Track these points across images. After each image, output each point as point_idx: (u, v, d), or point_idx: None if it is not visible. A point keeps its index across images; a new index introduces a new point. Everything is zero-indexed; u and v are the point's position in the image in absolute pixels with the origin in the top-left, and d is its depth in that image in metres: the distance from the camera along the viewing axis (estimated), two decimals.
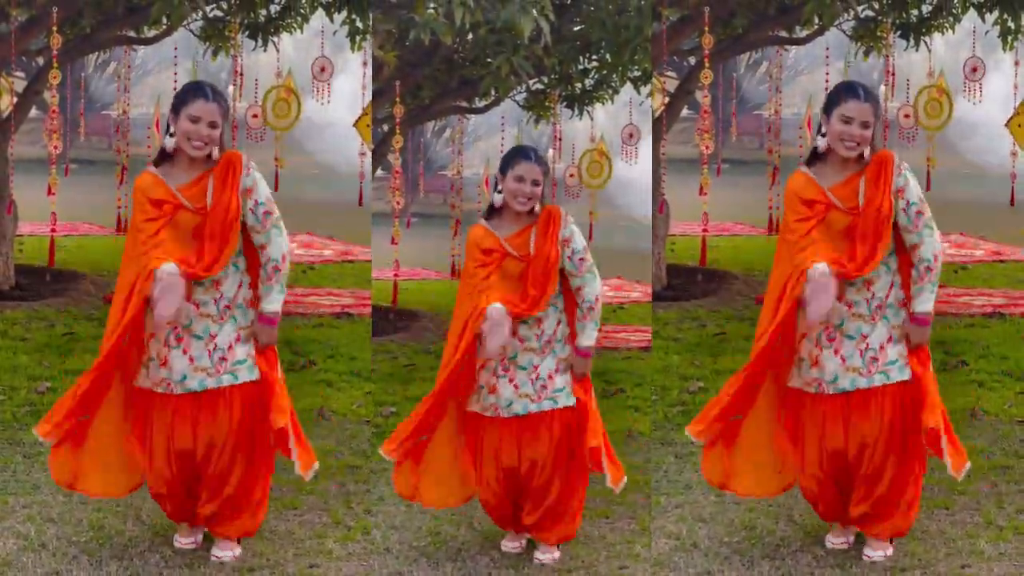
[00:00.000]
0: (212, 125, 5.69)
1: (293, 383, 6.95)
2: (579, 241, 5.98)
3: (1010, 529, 6.15)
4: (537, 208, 5.94)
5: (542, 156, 6.04)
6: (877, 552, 5.92)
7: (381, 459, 6.67)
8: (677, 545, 6.14)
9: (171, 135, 5.72)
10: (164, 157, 5.76)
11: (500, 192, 5.95)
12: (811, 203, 5.75)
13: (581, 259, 5.98)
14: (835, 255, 5.71)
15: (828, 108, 5.73)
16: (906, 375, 5.84)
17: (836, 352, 5.81)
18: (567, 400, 6.02)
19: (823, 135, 5.74)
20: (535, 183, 5.91)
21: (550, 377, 5.99)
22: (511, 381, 5.99)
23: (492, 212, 5.99)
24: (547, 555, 6.09)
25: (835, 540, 6.05)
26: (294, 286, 7.26)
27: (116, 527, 6.17)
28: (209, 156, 5.73)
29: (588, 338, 6.01)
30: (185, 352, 5.79)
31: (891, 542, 5.94)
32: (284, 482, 6.52)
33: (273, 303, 5.81)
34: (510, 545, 6.18)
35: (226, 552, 5.94)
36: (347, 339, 7.06)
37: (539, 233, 5.96)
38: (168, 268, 5.64)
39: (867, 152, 5.73)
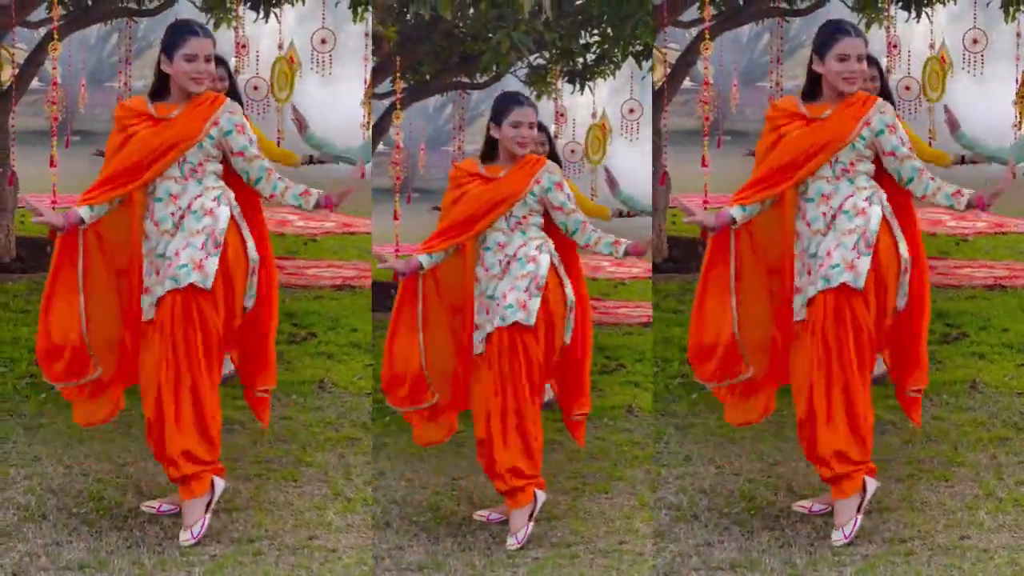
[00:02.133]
0: (208, 59, 5.84)
1: (294, 355, 6.97)
2: (567, 189, 6.17)
3: (1009, 501, 6.15)
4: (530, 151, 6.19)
5: (532, 101, 6.26)
6: (838, 530, 5.90)
7: (382, 432, 6.69)
8: (677, 516, 6.14)
9: (162, 75, 5.87)
10: (156, 96, 5.91)
11: (495, 140, 6.17)
12: (787, 115, 5.90)
13: (568, 196, 6.15)
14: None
15: (820, 49, 5.85)
16: (847, 278, 5.79)
17: (808, 273, 5.89)
18: (515, 315, 6.02)
19: (813, 77, 5.88)
20: (531, 126, 6.13)
21: (504, 296, 6.03)
22: (486, 312, 6.08)
23: (486, 158, 6.21)
24: (512, 539, 6.09)
25: (802, 503, 6.05)
26: (295, 258, 7.27)
27: (116, 498, 6.17)
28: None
29: (621, 241, 6.15)
30: (158, 273, 5.85)
31: (859, 509, 5.91)
32: (284, 453, 6.53)
33: (309, 191, 5.95)
34: (481, 513, 6.24)
35: (186, 531, 5.91)
36: (348, 311, 7.07)
37: (514, 167, 6.13)
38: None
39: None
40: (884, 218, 5.83)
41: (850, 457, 5.80)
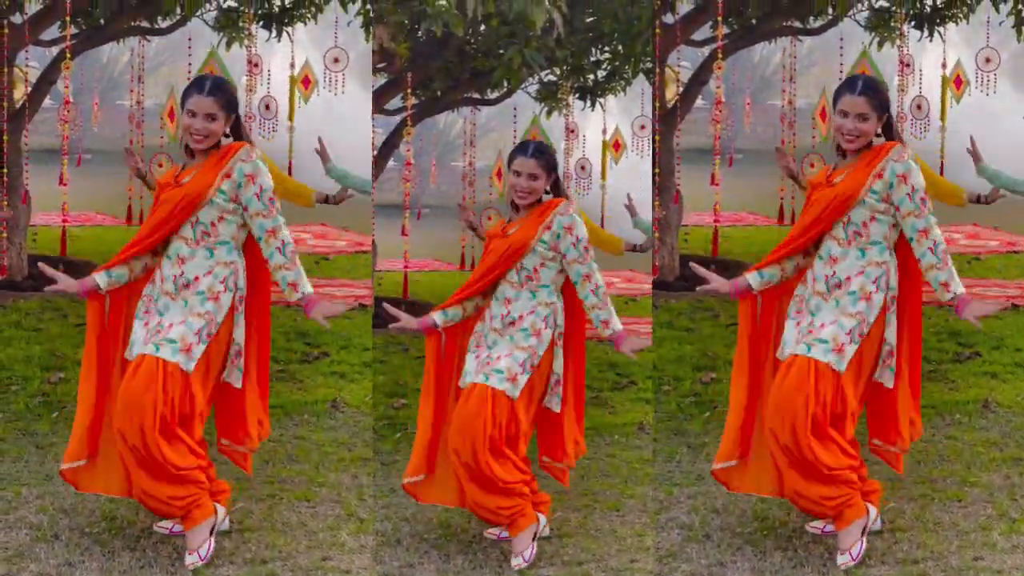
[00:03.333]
0: (208, 118, 5.71)
1: (306, 375, 6.97)
2: (581, 230, 6.01)
3: (1023, 521, 6.15)
4: (544, 199, 6.02)
5: (546, 149, 6.07)
6: (844, 554, 5.89)
7: (392, 451, 6.69)
8: (689, 536, 6.13)
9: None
10: (187, 152, 5.86)
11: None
12: (815, 186, 5.83)
13: (585, 248, 6.01)
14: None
15: (834, 103, 5.79)
16: (828, 359, 5.71)
17: (797, 325, 5.82)
18: (499, 384, 5.95)
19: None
20: (531, 177, 5.99)
21: (498, 358, 5.96)
22: (476, 357, 6.03)
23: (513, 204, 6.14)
24: (519, 559, 6.07)
25: (814, 524, 6.05)
26: (308, 277, 7.25)
27: (128, 518, 6.17)
28: (217, 147, 5.76)
29: (616, 321, 6.01)
30: (146, 325, 5.79)
31: (862, 537, 5.90)
32: (296, 473, 6.54)
33: (308, 284, 5.80)
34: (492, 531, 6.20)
35: (192, 554, 5.90)
36: (360, 330, 7.06)
37: (525, 219, 6.03)
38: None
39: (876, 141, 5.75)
40: (884, 305, 5.79)
41: (829, 497, 5.81)
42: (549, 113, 7.24)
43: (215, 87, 5.75)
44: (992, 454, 6.62)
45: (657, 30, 6.97)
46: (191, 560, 5.83)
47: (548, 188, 6.06)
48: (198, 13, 7.03)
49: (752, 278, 5.87)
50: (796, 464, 5.72)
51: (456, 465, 5.93)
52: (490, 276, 6.05)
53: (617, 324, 6.01)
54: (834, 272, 5.76)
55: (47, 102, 7.06)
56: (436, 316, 6.06)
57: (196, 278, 5.76)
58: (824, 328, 5.73)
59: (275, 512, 6.27)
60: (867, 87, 5.71)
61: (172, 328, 5.72)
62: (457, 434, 5.91)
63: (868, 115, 5.69)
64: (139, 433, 5.65)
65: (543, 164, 6.01)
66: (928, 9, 7.02)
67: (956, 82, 6.94)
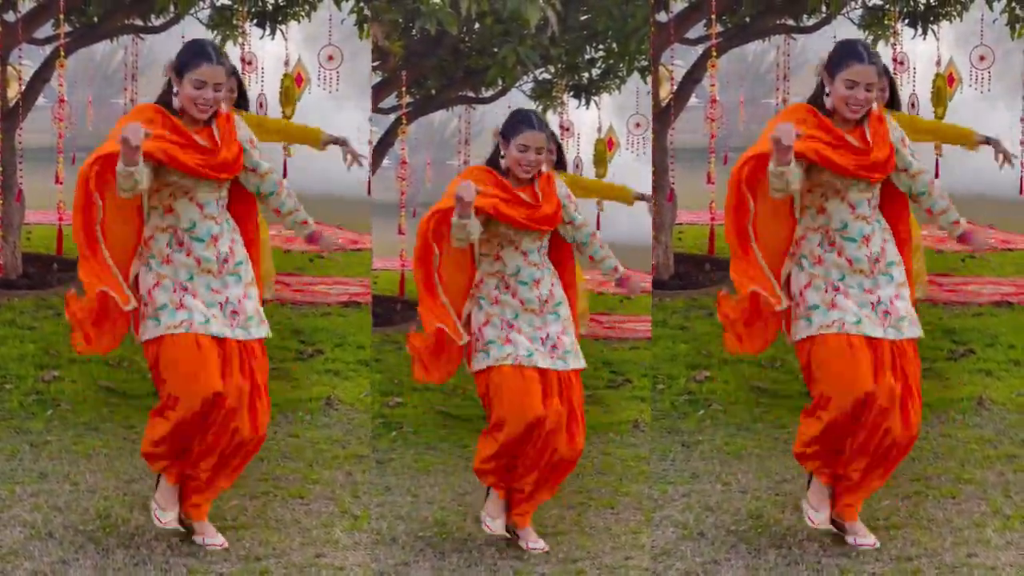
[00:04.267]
0: (217, 88, 5.70)
1: (301, 372, 6.97)
2: (569, 192, 6.13)
3: (1017, 518, 6.15)
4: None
5: (544, 120, 6.09)
6: (867, 539, 5.92)
7: (387, 449, 6.69)
8: (684, 534, 6.14)
9: (175, 94, 5.72)
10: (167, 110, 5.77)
11: (503, 156, 6.01)
12: (826, 129, 5.73)
13: (575, 207, 6.12)
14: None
15: (831, 69, 5.70)
16: (918, 332, 5.83)
17: (847, 297, 5.79)
18: (576, 362, 6.03)
19: (827, 94, 5.73)
20: (539, 151, 5.96)
21: (559, 338, 6.00)
22: (520, 333, 5.98)
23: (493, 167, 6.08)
24: (538, 543, 6.09)
25: (818, 518, 6.03)
26: (302, 274, 7.27)
27: (123, 516, 6.17)
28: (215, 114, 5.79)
29: (619, 267, 6.19)
30: (195, 297, 5.77)
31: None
32: (290, 471, 6.54)
33: (308, 221, 6.03)
34: (495, 525, 6.15)
35: (215, 539, 5.93)
36: (355, 328, 7.06)
37: (544, 194, 6.03)
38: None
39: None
40: None
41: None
42: (544, 111, 7.24)
43: (220, 54, 5.75)
44: (986, 451, 6.63)
45: (651, 28, 6.97)
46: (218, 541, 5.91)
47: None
48: (192, 11, 7.03)
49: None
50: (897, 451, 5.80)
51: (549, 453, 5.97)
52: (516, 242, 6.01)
53: (622, 266, 6.18)
54: (871, 251, 5.78)
55: (41, 100, 7.05)
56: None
57: (231, 251, 5.82)
58: (894, 305, 5.77)
59: (269, 509, 6.27)
60: (871, 54, 5.70)
61: (241, 304, 5.80)
62: (557, 429, 5.93)
63: (874, 84, 5.67)
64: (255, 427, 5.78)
65: (549, 136, 6.03)
66: (922, 7, 7.02)
67: (949, 80, 6.95)
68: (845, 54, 5.70)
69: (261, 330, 5.88)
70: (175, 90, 5.72)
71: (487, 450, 6.01)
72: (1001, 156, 6.59)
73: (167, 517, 5.88)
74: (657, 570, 5.95)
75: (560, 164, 6.77)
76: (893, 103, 6.46)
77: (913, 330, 5.82)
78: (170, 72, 5.74)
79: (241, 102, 6.13)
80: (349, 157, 6.68)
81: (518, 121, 6.02)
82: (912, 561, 5.86)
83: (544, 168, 6.06)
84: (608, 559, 6.10)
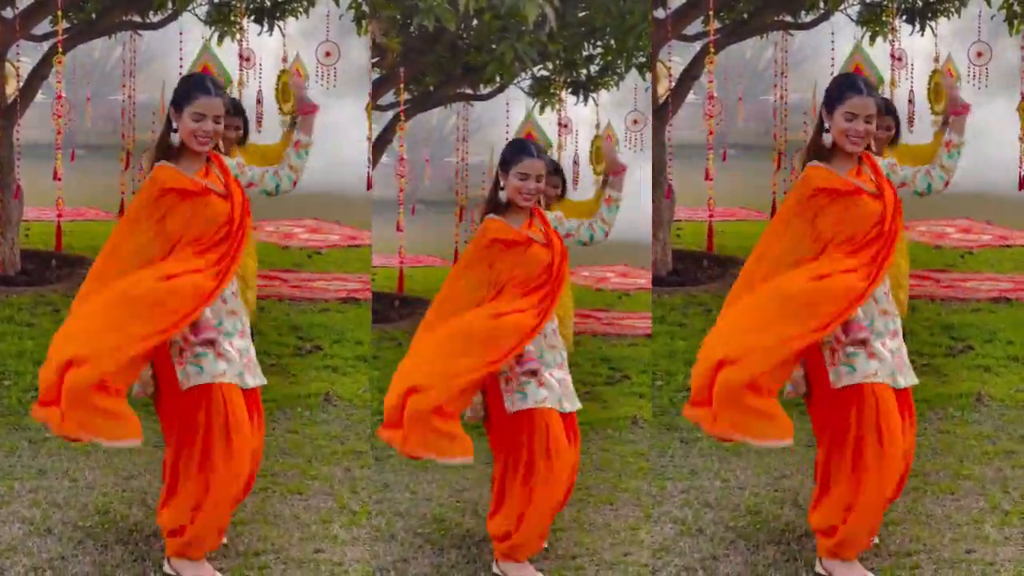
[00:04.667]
0: (216, 120, 5.65)
1: (299, 368, 6.98)
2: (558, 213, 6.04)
3: (1015, 514, 6.16)
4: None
5: (543, 149, 6.05)
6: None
7: (386, 445, 6.68)
8: (682, 530, 6.14)
9: (174, 130, 5.65)
10: (168, 152, 5.68)
11: (503, 188, 5.93)
12: (837, 192, 5.63)
13: (579, 223, 6.04)
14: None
15: (830, 103, 5.65)
16: (914, 380, 5.76)
17: (884, 346, 5.67)
18: (574, 405, 5.97)
19: (827, 131, 5.66)
20: (538, 179, 5.90)
21: (558, 382, 5.93)
22: (552, 376, 5.91)
23: (497, 208, 5.95)
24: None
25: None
26: (300, 270, 7.27)
27: (121, 512, 6.18)
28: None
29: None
30: (231, 345, 5.69)
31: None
32: (289, 467, 6.54)
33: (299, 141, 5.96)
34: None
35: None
36: (353, 324, 7.07)
37: (542, 225, 5.96)
38: None
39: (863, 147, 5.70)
40: None
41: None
42: (542, 108, 7.24)
43: (218, 87, 5.71)
44: (985, 447, 6.63)
45: (650, 25, 6.97)
46: None
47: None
48: (189, 8, 7.03)
49: None
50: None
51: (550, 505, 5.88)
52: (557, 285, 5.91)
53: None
54: (888, 288, 5.72)
55: (39, 97, 7.05)
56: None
57: (234, 294, 5.75)
58: (902, 352, 5.71)
59: (267, 505, 6.27)
60: (869, 87, 5.66)
61: (250, 350, 5.74)
62: (558, 477, 5.82)
63: (873, 115, 5.63)
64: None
65: (545, 163, 5.96)
66: (920, 3, 7.02)
67: (946, 77, 6.94)
68: (843, 87, 5.66)
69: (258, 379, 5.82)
70: (174, 126, 5.65)
71: None
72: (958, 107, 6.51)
73: None
74: (656, 566, 5.95)
75: (563, 193, 6.67)
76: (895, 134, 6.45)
77: (911, 378, 5.75)
78: (168, 108, 5.68)
79: (243, 139, 6.14)
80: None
81: (516, 150, 5.95)
82: (910, 557, 5.86)
83: (542, 199, 6.01)
84: (607, 555, 6.11)
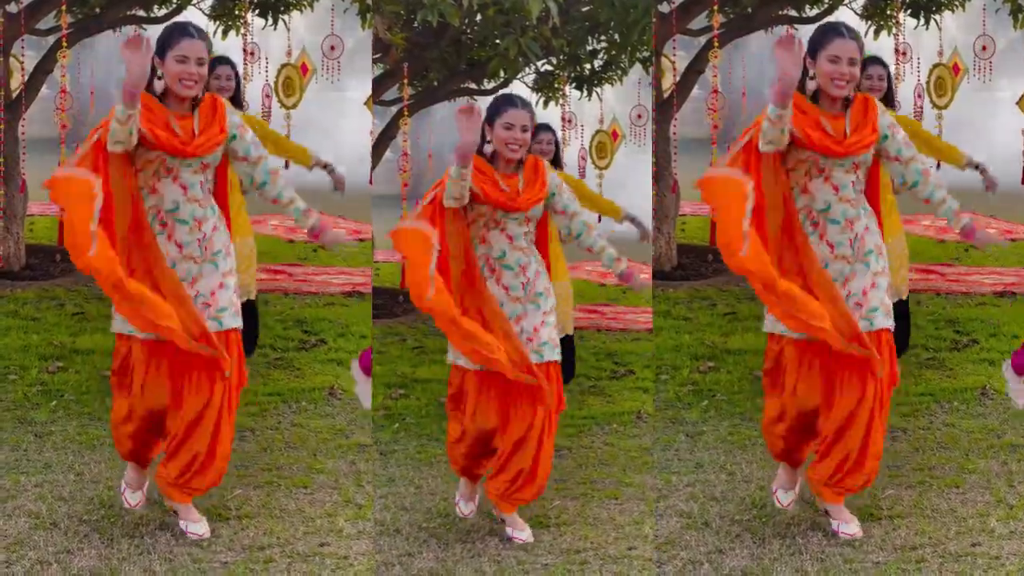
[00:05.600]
0: (199, 62, 5.70)
1: (304, 362, 6.98)
2: (563, 182, 6.08)
3: (1020, 508, 6.15)
4: (523, 156, 6.00)
5: (528, 102, 6.07)
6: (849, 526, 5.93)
7: (391, 440, 6.69)
8: (688, 524, 6.14)
9: (159, 78, 5.70)
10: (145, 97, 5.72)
11: (489, 142, 5.98)
12: (804, 108, 5.72)
13: (570, 196, 6.07)
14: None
15: (813, 50, 5.73)
16: (889, 323, 5.81)
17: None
18: (551, 355, 6.00)
19: (812, 78, 5.74)
20: (524, 129, 5.95)
21: (535, 330, 5.98)
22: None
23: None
24: (523, 533, 6.09)
25: (786, 498, 6.13)
26: (305, 264, 7.27)
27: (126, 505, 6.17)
28: (195, 97, 5.75)
29: (623, 260, 6.11)
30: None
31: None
32: (294, 460, 6.54)
33: (311, 212, 5.97)
34: (468, 509, 6.25)
35: (197, 527, 5.94)
36: (357, 318, 7.06)
37: (527, 179, 6.00)
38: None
39: (850, 92, 5.75)
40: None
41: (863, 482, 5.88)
42: (546, 103, 7.24)
43: (200, 31, 5.75)
44: (990, 441, 6.63)
45: (653, 19, 6.97)
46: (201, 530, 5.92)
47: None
48: (194, 2, 7.03)
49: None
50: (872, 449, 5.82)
51: (542, 454, 6.00)
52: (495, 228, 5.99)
53: (624, 260, 6.11)
54: (856, 234, 5.79)
55: (44, 91, 7.05)
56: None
57: (210, 238, 5.81)
58: (867, 296, 5.78)
59: (272, 499, 6.27)
60: (851, 31, 5.73)
61: (215, 296, 5.79)
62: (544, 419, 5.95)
63: (857, 59, 5.70)
64: (226, 416, 5.83)
65: (531, 115, 6.00)
66: None
67: (954, 69, 6.95)
68: (825, 32, 5.75)
69: (234, 321, 5.86)
70: (159, 74, 5.71)
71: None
72: (987, 183, 6.68)
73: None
74: (661, 560, 5.95)
75: (556, 162, 6.77)
76: (889, 102, 6.48)
77: (885, 321, 5.81)
78: (153, 60, 5.70)
79: (235, 103, 6.14)
80: (334, 180, 6.79)
81: (501, 102, 6.01)
82: (916, 550, 5.86)
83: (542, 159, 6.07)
84: (612, 550, 6.10)
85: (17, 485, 6.30)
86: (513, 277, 5.99)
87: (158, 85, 5.71)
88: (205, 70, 5.72)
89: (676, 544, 6.01)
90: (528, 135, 5.97)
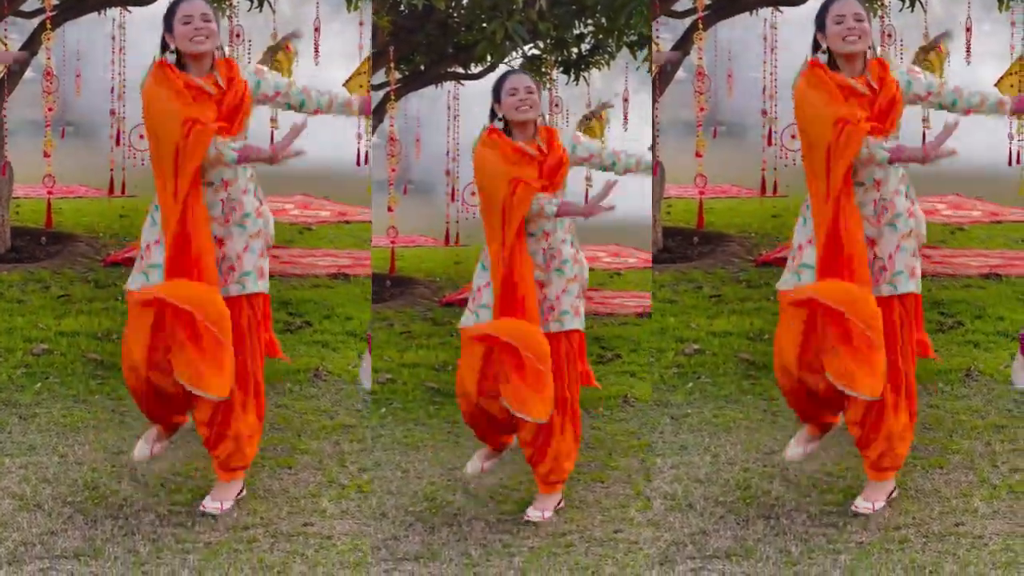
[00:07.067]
0: (205, 18, 5.79)
1: (289, 344, 6.98)
2: (576, 133, 6.28)
3: (1004, 488, 6.16)
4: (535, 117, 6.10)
5: (527, 72, 6.24)
6: (868, 502, 5.92)
7: (378, 424, 6.69)
8: (672, 505, 6.14)
9: (172, 51, 5.81)
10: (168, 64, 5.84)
11: (501, 118, 6.10)
12: (842, 87, 5.75)
13: (588, 141, 6.23)
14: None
15: (820, 22, 5.83)
16: (912, 287, 5.81)
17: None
18: (572, 323, 6.04)
19: (824, 51, 5.82)
20: (528, 91, 6.06)
21: (557, 298, 6.02)
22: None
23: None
24: (537, 512, 6.10)
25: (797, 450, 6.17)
26: (290, 246, 7.27)
27: (110, 487, 6.17)
28: (212, 58, 5.82)
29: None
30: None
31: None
32: (278, 441, 6.54)
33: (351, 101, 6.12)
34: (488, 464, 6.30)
35: (215, 503, 5.94)
36: (343, 300, 7.07)
37: (545, 140, 6.08)
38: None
39: (869, 53, 5.80)
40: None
41: (904, 445, 5.88)
42: None
43: None
44: (974, 422, 6.63)
45: (647, 2, 6.96)
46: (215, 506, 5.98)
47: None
48: None
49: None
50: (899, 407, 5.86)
51: (564, 423, 6.08)
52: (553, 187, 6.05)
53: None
54: (880, 196, 5.82)
55: (28, 74, 7.04)
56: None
57: (241, 200, 5.86)
58: (892, 260, 5.82)
59: (257, 479, 6.27)
60: None
61: (240, 260, 5.85)
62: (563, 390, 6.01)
63: (863, 17, 5.76)
64: (250, 380, 5.91)
65: (533, 81, 6.12)
66: None
67: (939, 50, 6.94)
68: (826, 3, 5.82)
69: (256, 285, 5.90)
70: (171, 47, 5.81)
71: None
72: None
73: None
74: (647, 542, 5.96)
75: None
76: None
77: (908, 285, 5.83)
78: (163, 33, 5.84)
79: None
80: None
81: (500, 78, 6.16)
82: (900, 530, 5.87)
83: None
84: (598, 532, 6.11)
85: (1, 467, 6.30)
86: (535, 243, 6.04)
87: (170, 58, 5.81)
88: (214, 26, 5.80)
89: (660, 526, 6.02)
90: (535, 96, 6.09)
